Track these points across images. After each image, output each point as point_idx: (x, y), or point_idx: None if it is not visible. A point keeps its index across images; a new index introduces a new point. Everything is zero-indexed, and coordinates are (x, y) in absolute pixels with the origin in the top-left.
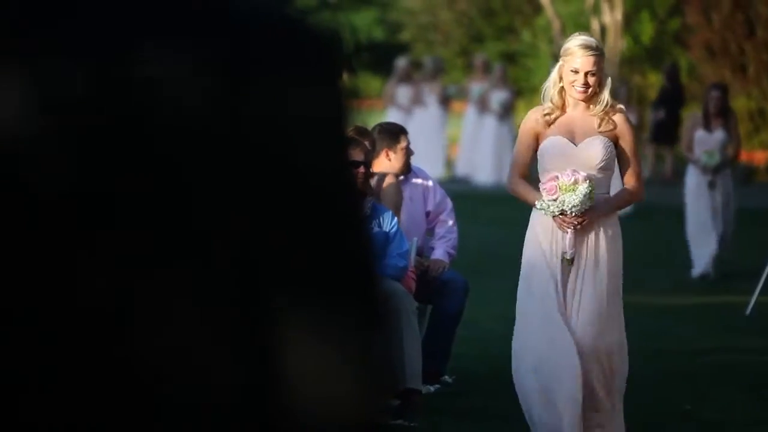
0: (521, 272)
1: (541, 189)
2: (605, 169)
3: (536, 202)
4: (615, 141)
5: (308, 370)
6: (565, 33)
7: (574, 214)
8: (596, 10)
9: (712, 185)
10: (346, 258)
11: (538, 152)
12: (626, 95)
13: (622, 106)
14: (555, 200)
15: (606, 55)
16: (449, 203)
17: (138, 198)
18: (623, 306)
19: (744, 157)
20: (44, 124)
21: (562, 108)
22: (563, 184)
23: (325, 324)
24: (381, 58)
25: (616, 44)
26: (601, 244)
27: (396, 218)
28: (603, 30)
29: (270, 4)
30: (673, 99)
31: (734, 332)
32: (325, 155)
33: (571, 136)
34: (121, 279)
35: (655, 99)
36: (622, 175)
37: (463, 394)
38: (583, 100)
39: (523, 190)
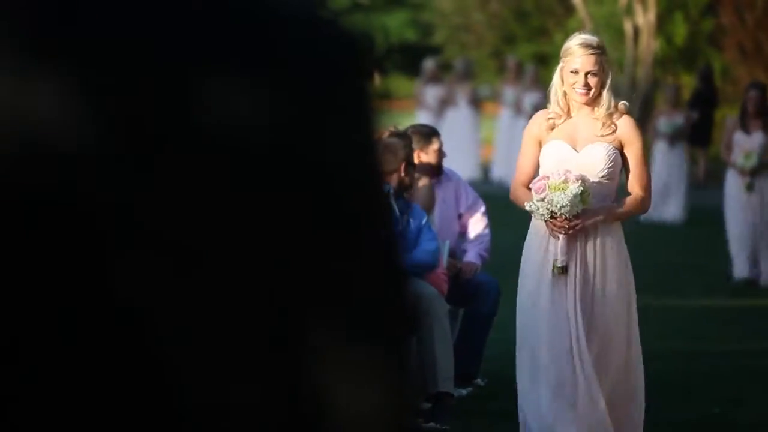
0: (519, 281)
1: (531, 189)
2: (609, 177)
3: (525, 203)
4: (620, 147)
5: (337, 380)
6: (598, 34)
7: (564, 216)
8: (629, 11)
9: (749, 187)
10: (374, 262)
11: (540, 158)
12: (674, 97)
13: (625, 103)
14: (543, 200)
15: (638, 57)
16: (482, 205)
17: (166, 213)
18: (641, 314)
19: None
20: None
21: (567, 112)
22: (553, 183)
23: (353, 334)
24: (413, 59)
25: (649, 45)
26: (604, 258)
27: (425, 214)
28: (636, 31)
29: (301, 3)
30: (706, 100)
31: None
32: (352, 159)
33: (572, 142)
34: (144, 296)
35: (689, 100)
36: (628, 183)
37: (496, 396)
38: (585, 103)
39: (523, 197)
